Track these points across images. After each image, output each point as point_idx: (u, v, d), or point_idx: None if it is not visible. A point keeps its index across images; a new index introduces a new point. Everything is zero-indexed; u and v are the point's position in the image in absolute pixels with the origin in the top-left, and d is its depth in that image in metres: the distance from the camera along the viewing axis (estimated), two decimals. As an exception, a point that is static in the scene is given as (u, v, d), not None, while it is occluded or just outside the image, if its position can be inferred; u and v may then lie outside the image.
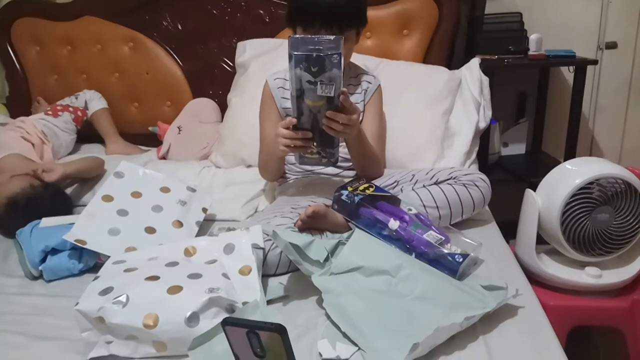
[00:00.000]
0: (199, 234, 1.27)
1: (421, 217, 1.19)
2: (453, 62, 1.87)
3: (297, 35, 1.10)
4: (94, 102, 1.98)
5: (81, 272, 1.16)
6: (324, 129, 1.15)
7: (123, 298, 0.87)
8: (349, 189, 1.23)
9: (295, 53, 1.07)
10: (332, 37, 1.08)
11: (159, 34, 2.02)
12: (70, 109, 1.94)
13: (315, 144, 1.19)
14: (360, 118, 1.42)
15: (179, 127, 1.90)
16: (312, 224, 1.17)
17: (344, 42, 1.28)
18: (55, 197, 1.39)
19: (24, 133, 1.75)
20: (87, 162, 1.61)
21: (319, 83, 1.08)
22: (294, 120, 1.15)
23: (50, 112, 1.89)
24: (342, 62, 1.08)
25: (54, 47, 2.08)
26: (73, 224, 1.17)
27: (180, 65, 2.03)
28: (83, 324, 0.89)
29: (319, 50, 1.06)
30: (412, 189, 1.29)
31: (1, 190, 1.37)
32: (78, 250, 1.15)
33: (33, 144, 1.73)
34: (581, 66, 1.86)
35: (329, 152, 1.21)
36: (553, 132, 2.13)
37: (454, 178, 1.30)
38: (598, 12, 2.03)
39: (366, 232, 1.13)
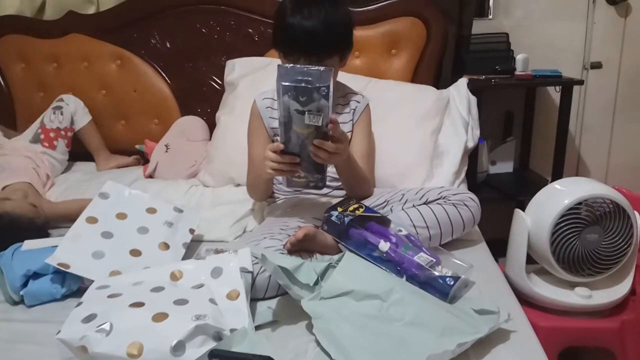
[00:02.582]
0: (186, 255, 1.25)
1: (412, 238, 1.18)
2: (441, 81, 1.88)
3: (286, 65, 1.10)
4: (79, 114, 1.93)
5: (64, 297, 1.12)
6: (309, 154, 1.14)
7: (106, 326, 0.84)
8: (339, 209, 1.22)
9: (284, 83, 1.06)
10: (322, 68, 1.07)
11: (147, 51, 2.01)
12: (62, 132, 1.88)
13: (302, 169, 1.18)
14: (349, 138, 1.42)
15: (166, 145, 1.88)
16: (301, 246, 1.16)
17: None
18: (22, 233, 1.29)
19: (34, 165, 1.73)
20: (73, 206, 1.50)
21: (306, 112, 1.08)
22: (281, 146, 1.14)
23: (47, 145, 1.84)
24: (331, 93, 1.07)
25: (40, 64, 2.05)
26: (56, 246, 1.14)
27: (169, 83, 2.01)
28: (65, 353, 0.86)
29: (308, 82, 1.05)
30: (402, 209, 1.29)
31: None
32: (61, 274, 1.12)
33: (39, 176, 1.71)
34: (567, 86, 1.88)
35: (316, 177, 1.20)
36: (540, 150, 2.15)
37: (444, 198, 1.29)
38: (583, 33, 2.07)
39: (356, 253, 1.12)
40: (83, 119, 1.94)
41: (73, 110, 1.92)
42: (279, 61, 1.78)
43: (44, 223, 1.42)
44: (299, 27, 1.22)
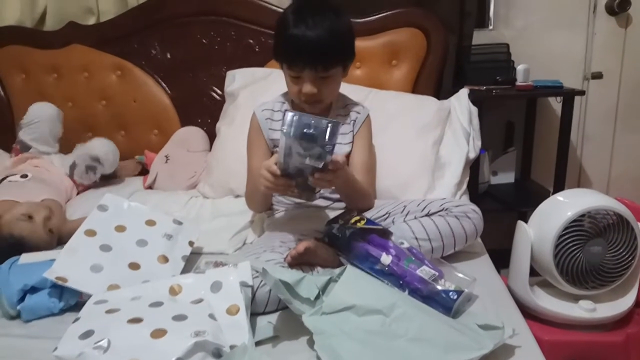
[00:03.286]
0: (185, 268, 1.23)
1: (414, 250, 1.17)
2: (442, 92, 1.87)
3: (293, 113, 1.07)
4: (112, 170, 1.82)
5: (62, 311, 1.10)
6: (307, 177, 1.13)
7: (104, 343, 0.82)
8: (340, 222, 1.21)
9: (289, 133, 1.05)
10: (330, 123, 1.05)
11: (148, 62, 2.01)
12: (92, 184, 1.80)
13: (296, 187, 1.17)
14: (350, 149, 1.41)
15: (166, 156, 1.87)
16: (302, 259, 1.15)
17: (329, 80, 1.28)
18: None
19: (67, 193, 1.73)
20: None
21: (308, 157, 1.07)
22: (278, 172, 1.12)
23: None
24: (334, 147, 1.06)
25: (40, 74, 2.05)
26: (54, 260, 1.12)
27: (169, 93, 2.01)
28: (61, 371, 0.84)
29: (313, 137, 1.04)
30: (404, 221, 1.28)
31: (9, 217, 1.35)
32: (59, 288, 1.10)
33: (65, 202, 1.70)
34: (568, 96, 1.88)
35: (309, 194, 1.20)
36: (541, 160, 2.14)
37: (446, 209, 1.28)
38: (583, 43, 2.07)
39: (358, 266, 1.10)
40: (112, 169, 1.84)
41: (108, 169, 1.78)
42: (279, 72, 1.78)
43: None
44: (304, 37, 1.21)
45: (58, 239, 1.41)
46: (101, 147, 1.76)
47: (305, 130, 1.04)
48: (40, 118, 1.87)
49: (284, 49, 1.26)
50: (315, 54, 1.22)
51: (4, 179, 1.68)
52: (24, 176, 1.68)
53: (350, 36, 1.31)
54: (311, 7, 1.25)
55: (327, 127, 1.04)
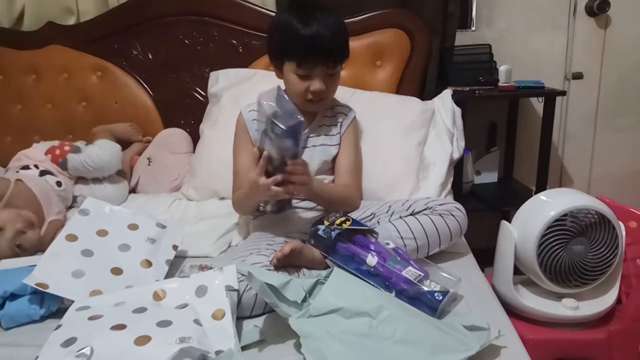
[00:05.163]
0: (169, 272, 1.22)
1: (399, 251, 1.17)
2: (425, 93, 1.88)
3: (282, 93, 1.16)
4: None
5: (43, 318, 1.08)
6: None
7: (87, 351, 0.81)
8: (326, 223, 1.21)
9: (265, 102, 1.13)
10: (297, 114, 1.12)
11: (129, 63, 1.98)
12: None
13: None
14: (337, 151, 1.41)
15: (148, 159, 1.85)
16: (288, 261, 1.14)
17: (334, 77, 1.34)
18: None
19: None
20: None
21: (269, 138, 1.12)
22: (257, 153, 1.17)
23: None
24: (285, 132, 1.10)
25: (18, 76, 2.00)
26: (34, 266, 1.10)
27: (151, 94, 1.98)
28: (43, 379, 0.83)
29: (276, 114, 1.10)
30: (389, 221, 1.28)
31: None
32: (39, 295, 1.08)
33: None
34: (550, 97, 1.90)
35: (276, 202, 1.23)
36: (524, 160, 2.17)
37: (430, 208, 1.29)
38: (564, 44, 2.10)
39: (344, 268, 1.10)
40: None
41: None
42: (263, 73, 1.79)
43: None
44: (318, 35, 1.25)
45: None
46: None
47: (277, 109, 1.11)
48: (97, 167, 1.67)
49: (296, 48, 1.28)
50: (329, 51, 1.27)
51: (44, 171, 1.62)
52: (59, 184, 1.62)
53: (348, 34, 1.37)
54: (314, 8, 1.29)
55: (295, 120, 1.11)
